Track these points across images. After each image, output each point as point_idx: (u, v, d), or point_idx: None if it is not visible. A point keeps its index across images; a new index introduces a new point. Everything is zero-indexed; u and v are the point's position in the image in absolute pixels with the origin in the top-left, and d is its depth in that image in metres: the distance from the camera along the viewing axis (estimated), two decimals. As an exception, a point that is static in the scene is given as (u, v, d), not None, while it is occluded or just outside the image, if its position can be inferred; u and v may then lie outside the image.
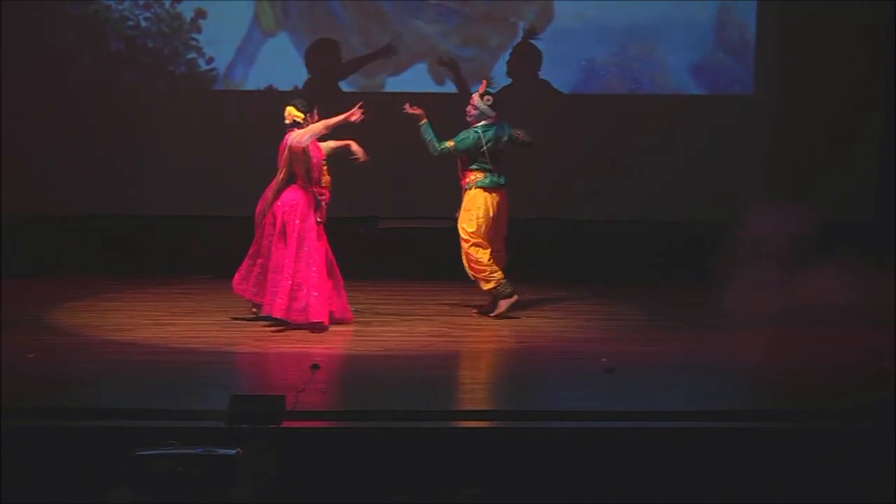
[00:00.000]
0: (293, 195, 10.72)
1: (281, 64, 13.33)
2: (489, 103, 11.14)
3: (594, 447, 7.87)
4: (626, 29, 13.30)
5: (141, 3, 13.36)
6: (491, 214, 11.12)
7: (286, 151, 10.69)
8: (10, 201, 12.82)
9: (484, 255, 11.06)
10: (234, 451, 7.21)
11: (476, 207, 11.10)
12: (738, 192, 12.44)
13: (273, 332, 10.60)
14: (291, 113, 10.75)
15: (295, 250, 10.61)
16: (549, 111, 13.18)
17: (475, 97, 11.19)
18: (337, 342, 10.35)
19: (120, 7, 13.33)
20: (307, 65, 13.29)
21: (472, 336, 10.73)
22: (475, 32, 13.46)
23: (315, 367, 9.31)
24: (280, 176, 10.71)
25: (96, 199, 13.13)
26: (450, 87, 12.99)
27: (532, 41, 12.82)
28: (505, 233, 11.29)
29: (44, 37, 13.15)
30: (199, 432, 7.48)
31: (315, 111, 10.78)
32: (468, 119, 11.14)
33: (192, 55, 13.38)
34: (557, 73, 13.40)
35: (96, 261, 12.87)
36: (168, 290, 12.22)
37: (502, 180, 11.18)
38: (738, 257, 10.50)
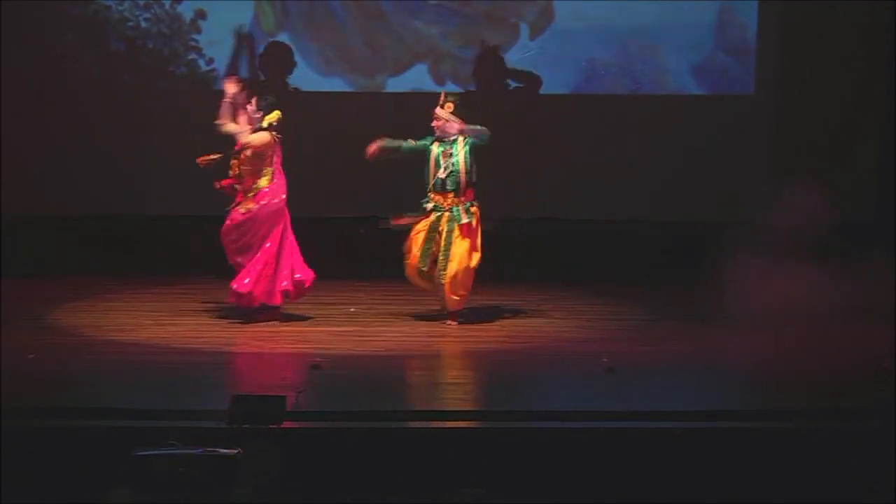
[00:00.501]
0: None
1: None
2: (451, 111, 10.96)
3: (595, 447, 7.86)
4: (627, 29, 13.29)
5: (141, 3, 13.35)
6: None
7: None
8: (10, 201, 12.82)
9: None
10: (234, 452, 7.21)
11: (478, 227, 11.02)
12: (738, 192, 12.44)
13: (273, 332, 10.61)
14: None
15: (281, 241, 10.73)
16: (548, 112, 13.20)
17: (441, 111, 10.87)
18: (338, 342, 10.34)
19: (120, 8, 13.33)
20: (260, 66, 13.30)
21: (472, 336, 10.72)
22: (476, 33, 13.45)
23: (315, 366, 9.32)
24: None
25: (96, 199, 13.13)
26: (451, 88, 12.99)
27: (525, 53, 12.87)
28: None
29: (44, 37, 13.15)
30: (200, 432, 7.47)
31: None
32: (448, 135, 10.89)
33: (192, 56, 13.38)
34: (558, 74, 13.40)
35: (97, 261, 12.86)
36: (169, 290, 12.21)
37: None
38: (741, 256, 10.49)
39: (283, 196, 10.79)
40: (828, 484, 7.70)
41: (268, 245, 10.75)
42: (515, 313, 11.49)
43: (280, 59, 13.28)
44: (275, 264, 10.74)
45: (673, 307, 11.71)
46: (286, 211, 10.83)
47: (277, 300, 10.80)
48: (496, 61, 13.33)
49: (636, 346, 10.40)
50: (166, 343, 10.24)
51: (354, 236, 12.93)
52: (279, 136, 10.80)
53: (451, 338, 10.68)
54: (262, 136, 10.77)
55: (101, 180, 13.06)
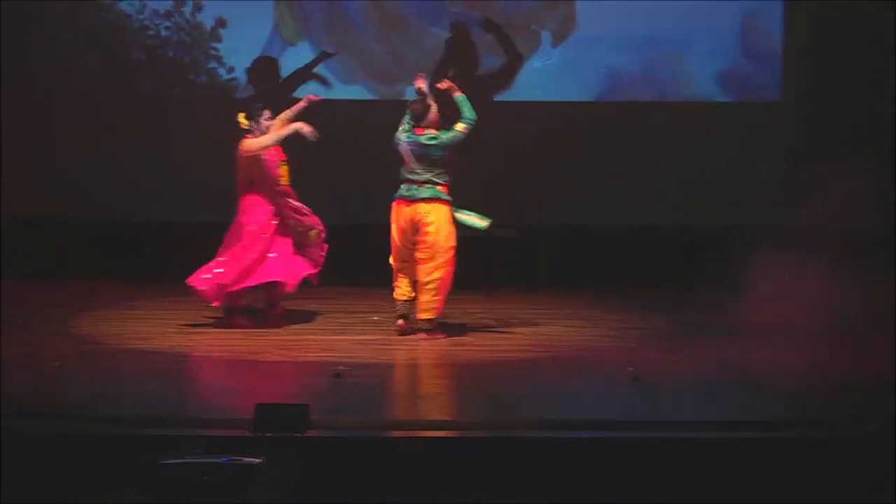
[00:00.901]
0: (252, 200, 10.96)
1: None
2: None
3: (619, 456, 7.81)
4: (650, 36, 13.26)
5: (161, 12, 13.37)
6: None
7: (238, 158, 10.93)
8: (10, 202, 12.89)
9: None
10: (258, 461, 7.19)
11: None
12: (764, 199, 12.39)
13: (297, 340, 10.61)
14: (240, 121, 10.86)
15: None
16: (571, 120, 13.18)
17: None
18: (360, 351, 10.31)
19: (140, 17, 13.35)
20: (250, 81, 13.33)
21: (494, 345, 10.68)
22: (496, 40, 13.43)
23: (338, 375, 9.29)
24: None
25: (119, 207, 13.17)
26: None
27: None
28: (424, 254, 10.75)
29: (64, 44, 13.19)
30: (224, 441, 7.45)
31: (262, 115, 10.86)
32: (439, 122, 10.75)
33: (212, 64, 13.39)
34: (580, 82, 13.37)
35: (119, 268, 12.91)
36: (191, 299, 12.15)
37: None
38: (767, 263, 10.44)
39: None
40: (828, 485, 7.63)
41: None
42: (537, 322, 11.45)
43: (268, 73, 13.32)
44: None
45: (698, 315, 11.63)
46: None
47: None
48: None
49: (661, 354, 10.33)
50: (190, 351, 10.26)
51: (378, 244, 12.91)
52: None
53: (472, 347, 10.63)
54: None
55: (124, 188, 13.15)
